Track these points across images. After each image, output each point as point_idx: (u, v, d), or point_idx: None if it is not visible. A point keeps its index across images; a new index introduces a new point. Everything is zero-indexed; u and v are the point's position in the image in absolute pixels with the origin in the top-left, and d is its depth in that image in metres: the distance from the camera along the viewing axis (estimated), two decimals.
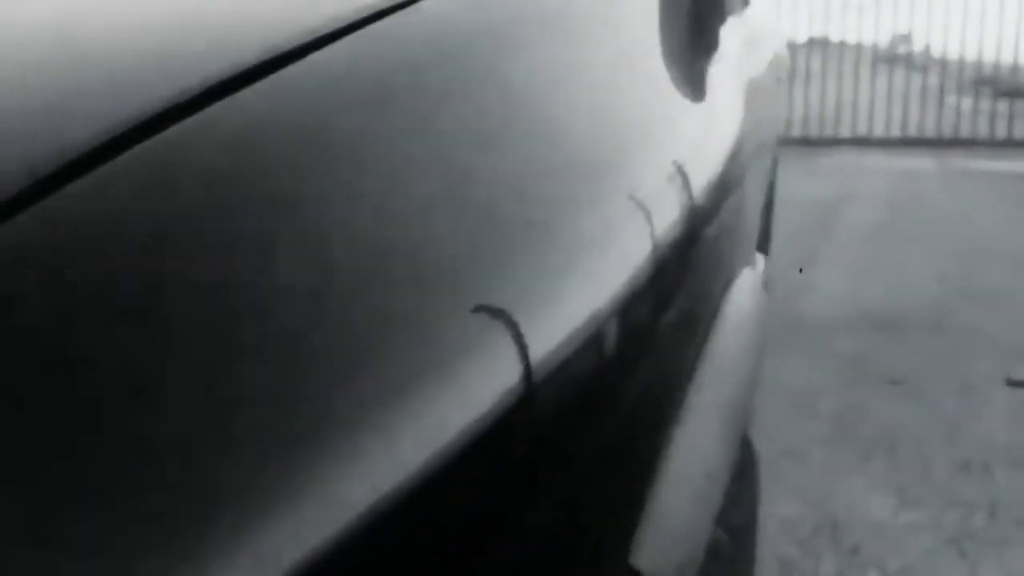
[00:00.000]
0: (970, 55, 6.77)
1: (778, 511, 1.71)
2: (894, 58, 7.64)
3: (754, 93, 1.28)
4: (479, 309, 0.35)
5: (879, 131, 6.42)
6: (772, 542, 1.61)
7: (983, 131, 6.23)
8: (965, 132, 6.25)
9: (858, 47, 7.12)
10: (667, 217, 0.56)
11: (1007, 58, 6.77)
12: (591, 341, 0.42)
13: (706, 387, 0.59)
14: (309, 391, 0.28)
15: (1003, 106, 6.39)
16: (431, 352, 0.32)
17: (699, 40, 0.85)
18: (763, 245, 2.72)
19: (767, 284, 2.73)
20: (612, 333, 0.45)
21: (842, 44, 7.48)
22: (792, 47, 7.01)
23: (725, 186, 0.74)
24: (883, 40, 7.54)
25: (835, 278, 3.24)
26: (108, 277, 0.27)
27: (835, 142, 6.42)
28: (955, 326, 2.69)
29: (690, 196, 0.63)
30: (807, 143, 6.37)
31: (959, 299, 2.94)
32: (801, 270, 3.36)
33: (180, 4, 0.51)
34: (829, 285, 3.15)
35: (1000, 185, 4.95)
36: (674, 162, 0.63)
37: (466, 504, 0.33)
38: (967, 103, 6.63)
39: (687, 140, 0.67)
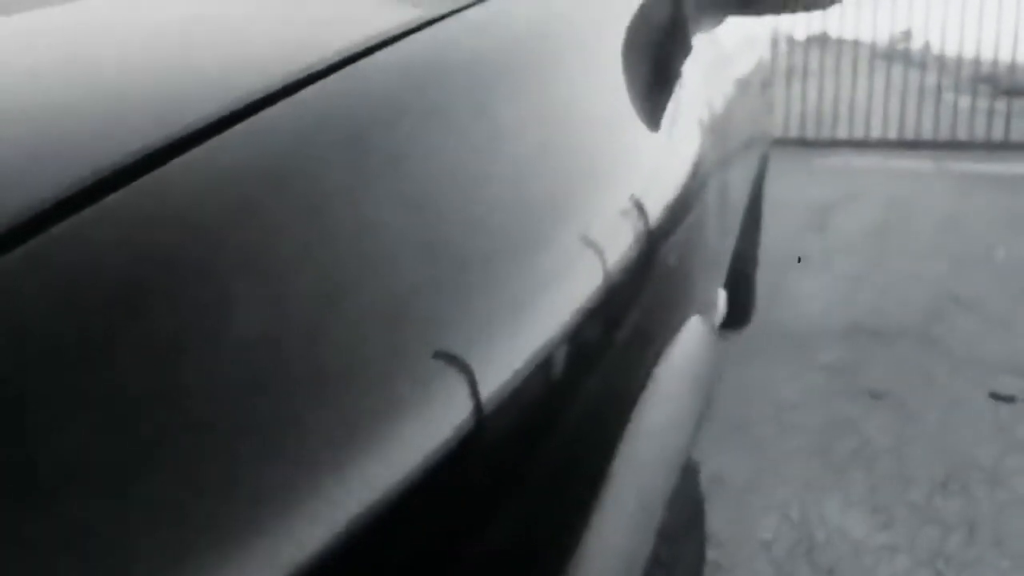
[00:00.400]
0: (969, 52, 6.74)
1: (756, 529, 1.70)
2: (893, 55, 7.59)
3: (727, 115, 1.27)
4: (427, 350, 0.37)
5: (876, 131, 6.39)
6: (748, 561, 1.61)
7: (981, 132, 6.20)
8: (963, 133, 6.22)
9: (856, 44, 7.09)
10: (611, 262, 0.56)
11: (1005, 56, 6.74)
12: (522, 390, 0.42)
13: (634, 448, 0.57)
14: (269, 429, 0.30)
15: (1001, 105, 6.36)
16: (384, 385, 0.34)
17: (657, 77, 0.83)
18: (750, 254, 2.71)
19: (747, 310, 2.71)
20: (545, 381, 0.45)
21: (840, 40, 7.45)
22: (791, 44, 6.99)
23: (677, 228, 0.73)
24: (882, 37, 7.51)
25: (825, 284, 3.22)
26: (101, 305, 0.28)
27: (832, 143, 6.38)
28: (943, 336, 2.67)
29: (640, 238, 0.62)
30: (804, 144, 6.34)
31: (949, 307, 2.93)
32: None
33: (174, 40, 0.53)
34: (818, 292, 3.14)
35: (996, 188, 4.93)
36: (623, 205, 0.62)
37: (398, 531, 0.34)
38: (965, 102, 6.60)
39: (637, 183, 0.66)
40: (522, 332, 0.43)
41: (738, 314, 2.75)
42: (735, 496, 1.81)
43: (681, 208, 0.75)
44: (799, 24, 7.28)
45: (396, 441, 0.33)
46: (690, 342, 0.73)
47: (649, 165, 0.72)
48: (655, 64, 0.83)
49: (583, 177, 0.60)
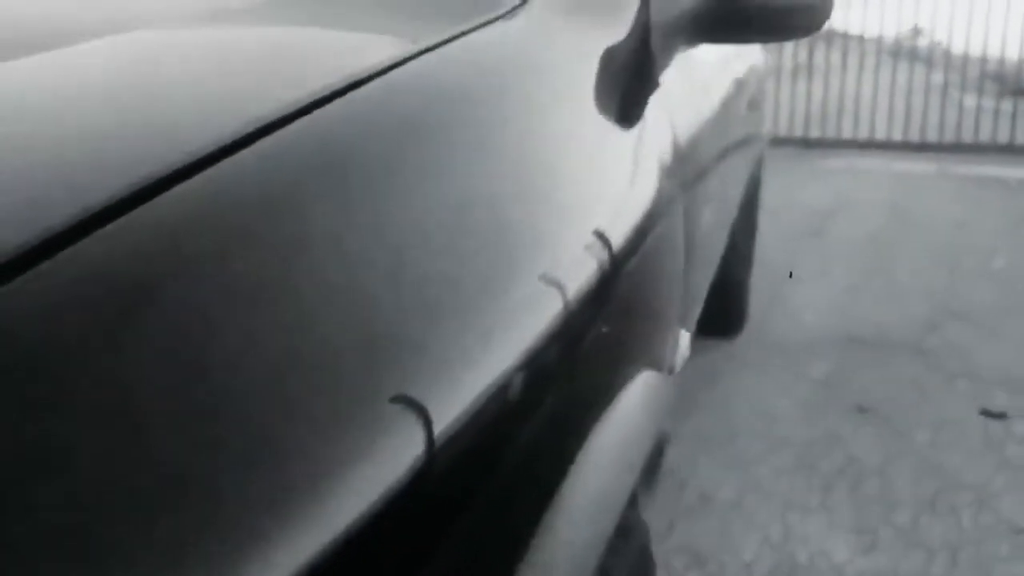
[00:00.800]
0: (976, 50, 6.68)
1: (737, 549, 1.69)
2: (900, 52, 7.53)
3: (703, 144, 1.25)
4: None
5: (882, 130, 6.33)
6: None
7: (986, 134, 6.14)
8: (968, 135, 6.16)
9: (863, 40, 7.03)
10: (553, 319, 0.55)
11: (1012, 54, 6.67)
12: (457, 440, 0.42)
13: (564, 511, 0.56)
14: (245, 457, 0.31)
15: (1008, 105, 6.30)
16: (352, 413, 0.35)
17: (616, 123, 0.82)
18: (744, 262, 2.69)
19: (740, 318, 2.69)
20: (482, 431, 0.45)
21: (847, 36, 7.40)
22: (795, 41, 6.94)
23: (630, 279, 0.72)
24: (889, 33, 7.45)
25: (821, 292, 3.20)
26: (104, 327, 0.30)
27: (836, 143, 6.33)
28: (936, 348, 2.65)
29: (588, 291, 0.61)
30: (808, 144, 6.29)
31: (944, 318, 2.90)
32: (791, 274, 3.35)
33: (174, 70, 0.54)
34: (814, 300, 3.12)
35: (1001, 192, 4.89)
36: (573, 256, 0.61)
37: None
38: (971, 100, 6.54)
39: (591, 231, 0.65)
40: (463, 379, 0.43)
41: (730, 322, 2.74)
42: (718, 514, 1.80)
43: (634, 259, 0.74)
44: None
45: (344, 476, 0.34)
46: (637, 399, 0.71)
47: (604, 214, 0.71)
48: (614, 108, 0.82)
49: (532, 228, 0.59)
